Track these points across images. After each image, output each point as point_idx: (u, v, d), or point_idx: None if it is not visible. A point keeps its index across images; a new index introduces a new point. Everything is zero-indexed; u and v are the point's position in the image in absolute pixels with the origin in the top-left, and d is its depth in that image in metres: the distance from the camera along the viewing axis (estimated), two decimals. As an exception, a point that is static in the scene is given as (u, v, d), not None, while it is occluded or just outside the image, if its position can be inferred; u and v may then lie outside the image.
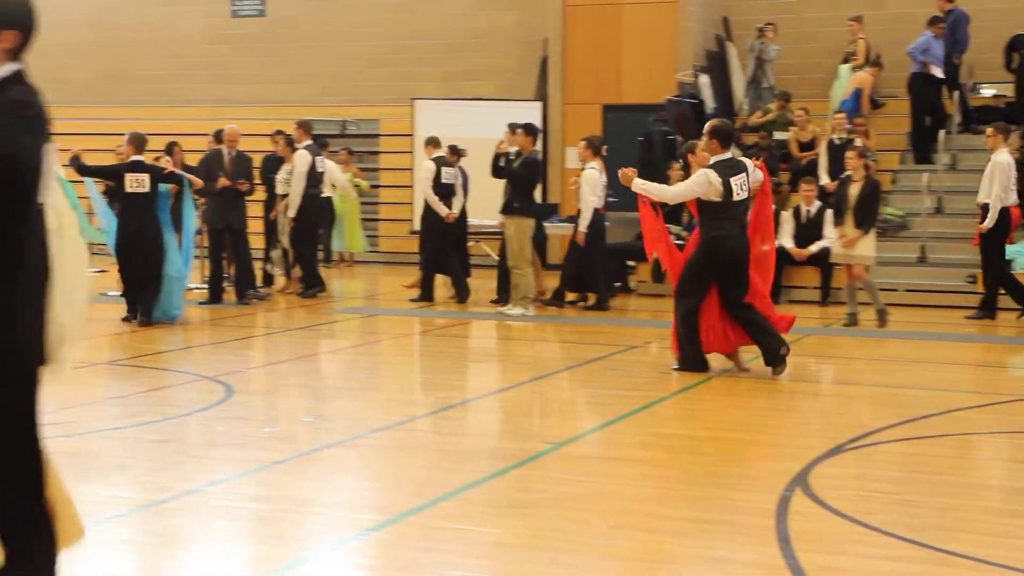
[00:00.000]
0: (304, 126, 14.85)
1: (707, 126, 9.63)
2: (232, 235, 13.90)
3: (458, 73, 20.42)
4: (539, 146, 14.51)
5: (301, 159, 14.53)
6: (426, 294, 14.42)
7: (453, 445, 7.34)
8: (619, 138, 18.45)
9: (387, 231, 20.77)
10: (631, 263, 16.05)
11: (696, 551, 5.12)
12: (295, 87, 21.12)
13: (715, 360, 9.69)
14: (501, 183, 13.69)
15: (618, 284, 15.59)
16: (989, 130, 13.40)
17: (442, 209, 14.22)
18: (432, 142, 14.51)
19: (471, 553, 5.11)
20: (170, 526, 5.45)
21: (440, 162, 14.35)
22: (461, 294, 14.41)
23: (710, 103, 18.05)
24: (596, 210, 13.60)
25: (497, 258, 14.73)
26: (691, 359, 9.52)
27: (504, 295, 13.86)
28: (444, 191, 14.27)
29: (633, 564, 4.98)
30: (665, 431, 7.76)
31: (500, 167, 13.68)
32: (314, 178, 14.64)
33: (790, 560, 4.91)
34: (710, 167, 9.35)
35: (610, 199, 18.61)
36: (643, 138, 16.91)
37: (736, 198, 9.32)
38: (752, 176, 9.53)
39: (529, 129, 13.50)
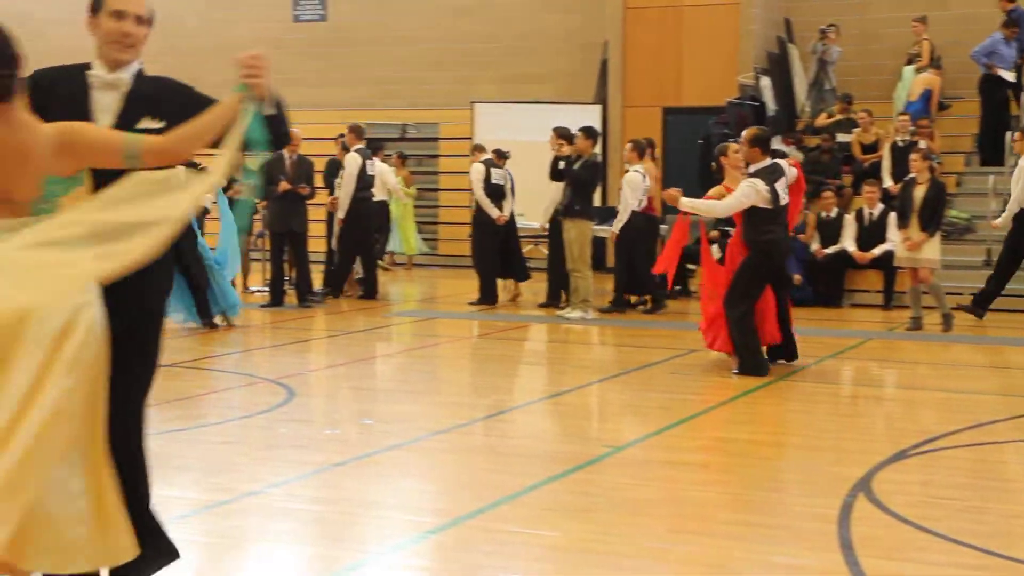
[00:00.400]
0: (355, 130, 14.93)
1: (747, 134, 9.69)
2: (293, 239, 14.00)
3: (517, 76, 20.43)
4: (598, 149, 14.48)
5: (351, 162, 14.62)
6: (487, 297, 14.46)
7: (511, 448, 7.33)
8: (679, 141, 18.39)
9: (446, 234, 20.83)
10: (691, 266, 15.96)
11: (757, 556, 5.07)
12: (355, 91, 21.24)
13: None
14: (548, 187, 13.78)
15: (678, 287, 15.51)
16: (1016, 135, 13.48)
17: (493, 211, 14.34)
18: (478, 148, 14.81)
19: (530, 556, 5.10)
20: (231, 527, 5.49)
21: (488, 164, 14.51)
22: (490, 295, 14.56)
23: (771, 105, 17.92)
24: (637, 212, 13.65)
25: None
26: (751, 363, 9.47)
27: (555, 298, 13.94)
28: (494, 193, 14.40)
29: (693, 569, 4.95)
30: (725, 435, 7.70)
31: (559, 170, 13.67)
32: (364, 181, 14.71)
33: (853, 566, 4.84)
34: (755, 176, 9.42)
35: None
36: (703, 141, 16.83)
37: (782, 203, 9.46)
38: (788, 176, 9.66)
39: (588, 132, 13.49)
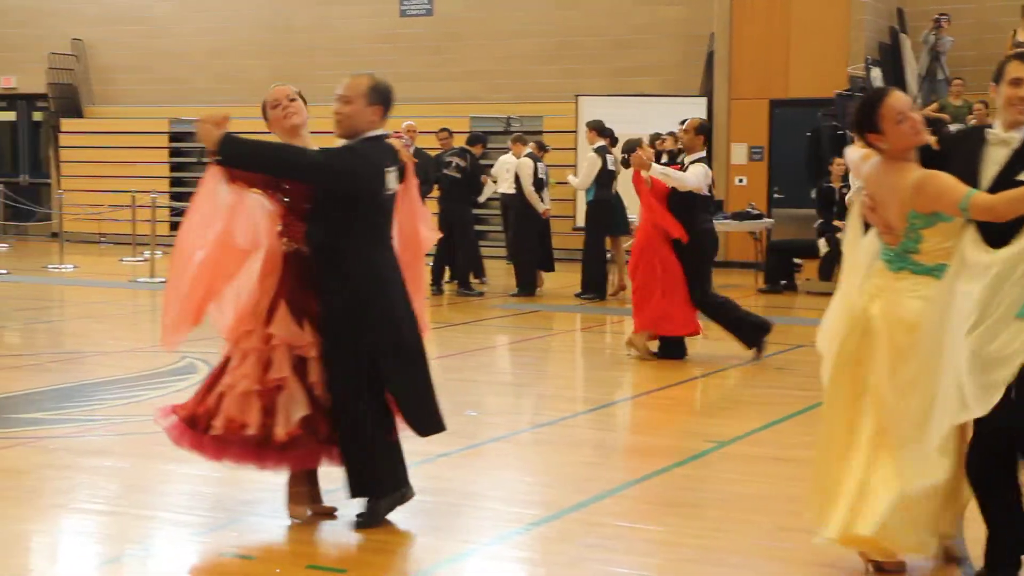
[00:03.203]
0: (520, 140, 15.13)
1: (691, 122, 10.09)
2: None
3: (623, 69, 20.33)
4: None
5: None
6: (526, 288, 14.58)
7: (615, 442, 7.31)
8: (786, 133, 18.14)
9: (551, 228, 20.77)
10: (797, 261, 15.76)
11: (865, 556, 4.97)
12: (460, 85, 21.34)
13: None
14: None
15: (784, 282, 15.32)
16: None
17: (540, 205, 14.51)
18: (520, 140, 14.93)
19: (633, 551, 5.08)
20: (338, 516, 5.54)
21: (534, 158, 14.62)
22: (529, 287, 14.68)
23: (882, 97, 17.54)
24: None
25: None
26: (752, 335, 9.97)
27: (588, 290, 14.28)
28: (539, 187, 14.54)
29: (801, 568, 4.88)
30: (833, 432, 7.56)
31: (665, 164, 13.57)
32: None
33: (968, 571, 4.74)
34: (700, 161, 9.85)
35: (776, 195, 18.33)
36: (811, 133, 16.57)
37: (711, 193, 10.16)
38: None
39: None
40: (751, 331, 10.08)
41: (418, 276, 5.54)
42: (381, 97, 5.15)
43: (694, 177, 9.80)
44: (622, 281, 14.48)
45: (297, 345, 5.10)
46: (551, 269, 15.42)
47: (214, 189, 5.10)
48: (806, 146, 16.55)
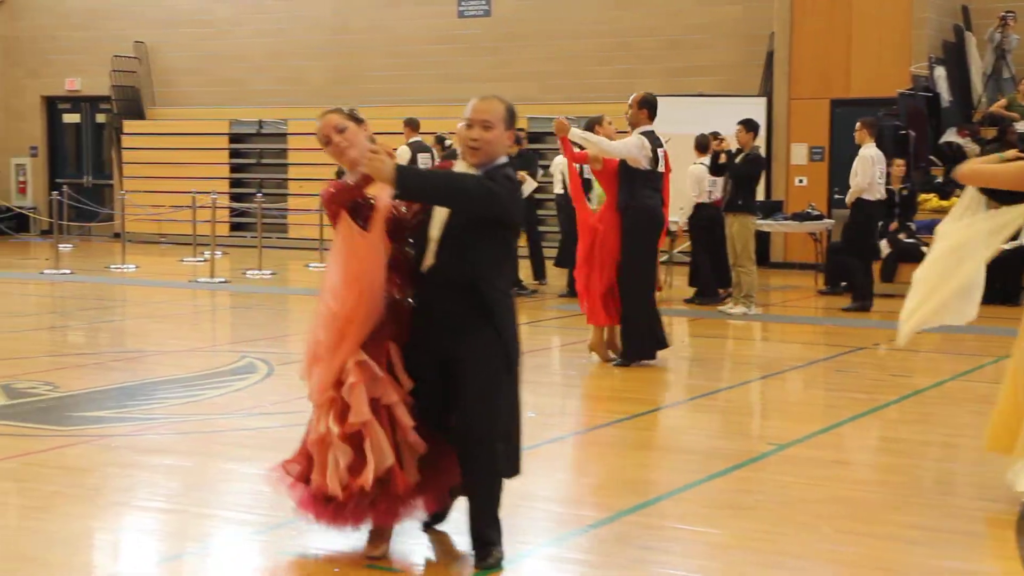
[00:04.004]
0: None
1: (636, 96, 9.83)
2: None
3: (680, 69, 20.23)
4: (760, 142, 14.32)
5: (558, 165, 14.67)
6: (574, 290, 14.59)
7: (673, 444, 7.27)
8: (847, 133, 17.93)
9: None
10: (859, 262, 15.59)
11: (928, 560, 4.92)
12: (518, 85, 21.33)
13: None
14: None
15: (844, 284, 15.16)
16: None
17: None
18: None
19: (692, 553, 5.04)
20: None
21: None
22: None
23: (946, 96, 17.34)
24: (707, 204, 13.97)
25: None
26: (645, 349, 9.50)
27: (701, 294, 14.09)
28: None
29: (862, 572, 4.82)
30: (894, 435, 7.49)
31: (720, 164, 13.51)
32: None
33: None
34: (642, 134, 9.51)
35: (837, 196, 18.12)
36: (873, 133, 16.36)
37: (660, 170, 9.63)
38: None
39: (749, 125, 13.29)
40: (641, 345, 9.60)
41: None
42: (514, 120, 4.88)
43: (623, 145, 9.45)
44: (659, 281, 14.49)
45: (376, 393, 4.72)
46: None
47: (351, 240, 4.73)
48: (867, 146, 16.32)
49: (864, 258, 13.84)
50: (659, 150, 9.63)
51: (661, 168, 9.71)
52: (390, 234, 4.75)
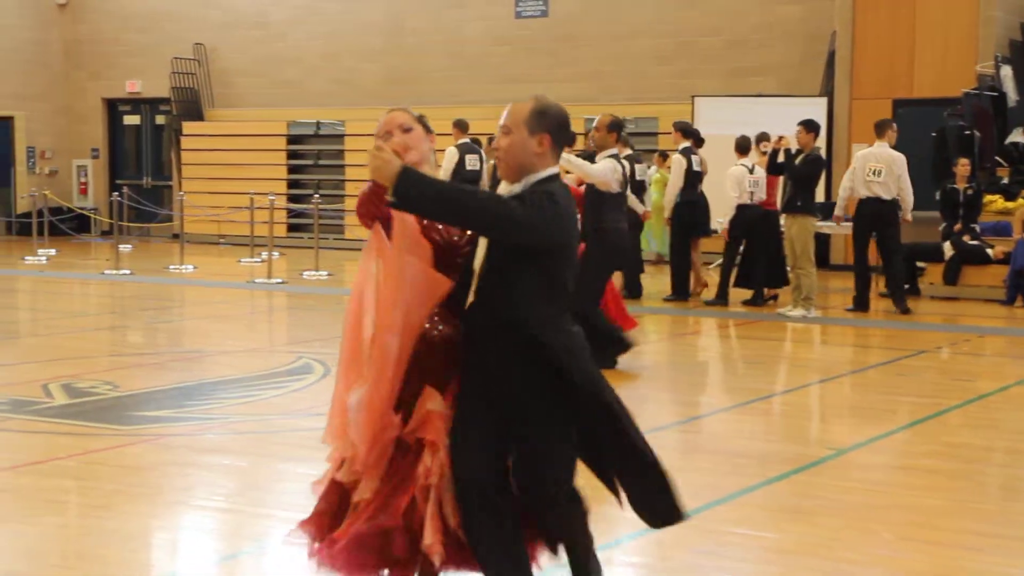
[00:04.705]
0: (682, 128, 15.04)
1: (603, 119, 9.90)
2: None
3: (740, 69, 20.09)
4: (820, 142, 14.17)
5: (679, 163, 14.56)
6: (635, 292, 14.48)
7: (731, 447, 7.19)
8: (910, 134, 17.69)
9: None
10: (921, 264, 15.39)
11: (992, 568, 4.82)
12: (575, 86, 21.28)
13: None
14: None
15: (907, 286, 14.97)
16: None
17: (639, 207, 14.35)
18: (621, 141, 14.82)
19: (749, 558, 4.98)
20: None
21: (632, 160, 14.48)
22: (633, 290, 14.53)
23: (1012, 96, 17.06)
24: (750, 206, 13.84)
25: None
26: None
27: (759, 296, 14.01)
28: (637, 189, 14.40)
29: (923, 580, 4.73)
30: (957, 440, 7.36)
31: (778, 164, 13.40)
32: (690, 180, 14.67)
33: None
34: (613, 157, 9.56)
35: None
36: (936, 134, 16.18)
37: (625, 191, 9.84)
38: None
39: (809, 125, 13.17)
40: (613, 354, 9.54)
41: None
42: (547, 123, 3.97)
43: (600, 169, 9.47)
44: (700, 282, 14.40)
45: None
46: (641, 271, 15.29)
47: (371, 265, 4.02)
48: (931, 147, 16.14)
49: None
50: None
51: (623, 189, 9.82)
52: (439, 262, 4.04)
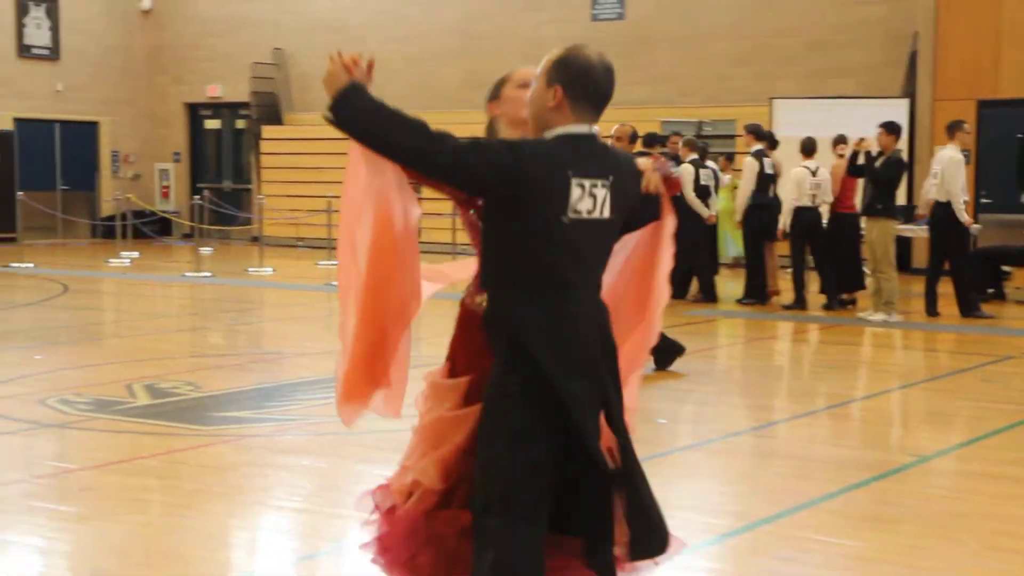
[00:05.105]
0: (753, 131, 14.91)
1: (624, 130, 10.47)
2: None
3: (819, 71, 19.87)
4: (902, 144, 13.97)
5: (750, 165, 14.48)
6: (711, 296, 14.40)
7: (810, 453, 7.11)
8: (995, 136, 17.41)
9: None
10: (1006, 268, 15.10)
11: (1082, 581, 4.70)
12: (651, 89, 21.20)
13: None
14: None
15: (991, 290, 14.70)
16: None
17: (703, 211, 14.29)
18: (688, 144, 14.77)
19: (830, 566, 4.91)
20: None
21: (696, 164, 14.39)
22: (709, 293, 14.47)
23: (1100, 96, 16.69)
24: (809, 208, 13.75)
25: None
26: None
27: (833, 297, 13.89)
28: (701, 193, 14.28)
29: (1009, 590, 4.64)
30: (1044, 448, 7.21)
31: (858, 166, 13.23)
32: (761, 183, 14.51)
33: None
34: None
35: (983, 200, 17.59)
36: (1022, 135, 15.88)
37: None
38: None
39: (890, 127, 13.00)
40: None
41: (640, 346, 3.81)
42: (563, 74, 3.40)
43: None
44: (772, 287, 14.27)
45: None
46: (715, 273, 15.24)
47: (356, 170, 3.51)
48: (1016, 149, 15.85)
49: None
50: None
51: None
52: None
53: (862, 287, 14.02)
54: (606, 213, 3.41)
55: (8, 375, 9.07)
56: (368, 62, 3.46)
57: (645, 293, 3.82)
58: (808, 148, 13.93)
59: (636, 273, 3.85)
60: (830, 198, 13.78)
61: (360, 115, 3.33)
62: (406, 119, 3.35)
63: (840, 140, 13.99)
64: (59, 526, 5.43)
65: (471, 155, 3.33)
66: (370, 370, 3.55)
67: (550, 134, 3.41)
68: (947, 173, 12.88)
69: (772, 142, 14.54)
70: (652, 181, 3.69)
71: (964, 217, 13.00)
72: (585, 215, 3.37)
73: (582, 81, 3.41)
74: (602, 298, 3.52)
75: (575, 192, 3.34)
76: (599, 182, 3.39)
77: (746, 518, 5.54)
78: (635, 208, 3.62)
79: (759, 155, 14.16)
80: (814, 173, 13.68)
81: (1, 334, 11.73)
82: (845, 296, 13.97)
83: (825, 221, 14.09)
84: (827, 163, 14.28)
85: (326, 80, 3.39)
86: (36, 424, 7.42)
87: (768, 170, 14.11)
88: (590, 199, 3.37)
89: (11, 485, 6.10)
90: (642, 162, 3.70)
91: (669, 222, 3.83)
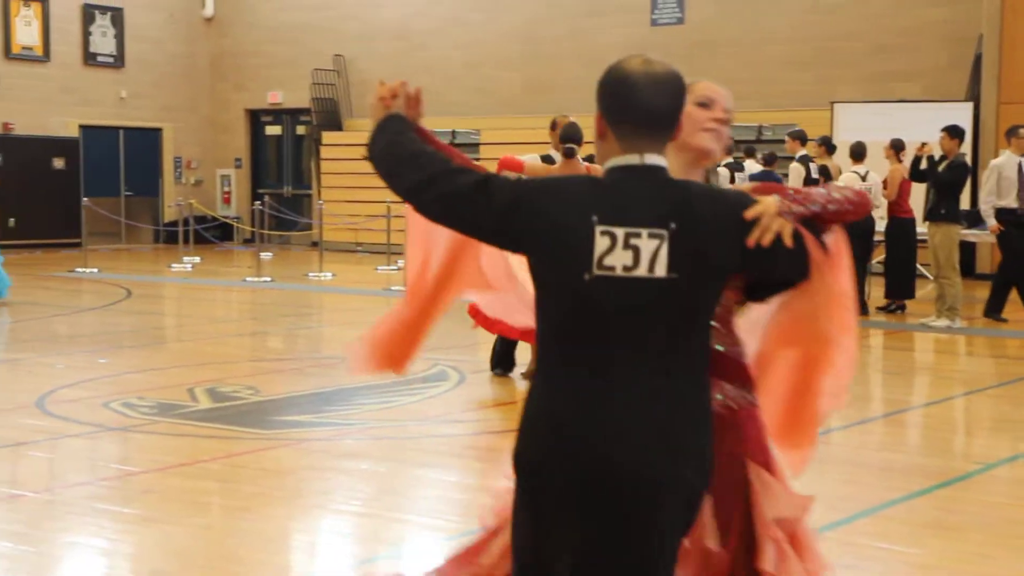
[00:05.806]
0: (803, 138, 14.99)
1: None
2: None
3: (881, 74, 19.66)
4: (965, 148, 13.80)
5: (796, 171, 14.41)
6: None
7: (873, 460, 7.03)
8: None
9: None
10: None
11: None
12: (712, 93, 21.10)
13: None
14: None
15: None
16: None
17: None
18: (797, 137, 14.78)
19: (893, 573, 4.86)
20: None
21: (806, 161, 14.28)
22: None
23: None
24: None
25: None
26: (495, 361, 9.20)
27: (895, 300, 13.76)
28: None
29: (1076, 601, 4.56)
30: (1113, 457, 7.07)
31: (921, 171, 13.08)
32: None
33: None
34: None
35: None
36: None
37: None
38: None
39: (953, 131, 12.83)
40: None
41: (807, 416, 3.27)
42: (601, 93, 2.77)
43: None
44: None
45: None
46: None
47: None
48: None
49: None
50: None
51: None
52: None
53: (911, 296, 13.82)
54: (659, 271, 2.62)
55: (73, 379, 9.21)
56: (415, 91, 3.13)
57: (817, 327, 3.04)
58: (857, 152, 13.79)
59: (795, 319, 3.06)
60: (880, 203, 13.60)
61: (379, 152, 3.07)
62: (415, 155, 2.97)
63: (897, 145, 13.78)
64: (122, 528, 5.50)
65: (466, 198, 2.80)
66: (395, 347, 3.58)
67: (608, 167, 2.75)
68: (982, 178, 12.87)
69: (831, 147, 14.43)
70: (769, 230, 2.69)
71: (991, 222, 12.92)
72: (621, 272, 2.62)
73: (620, 100, 2.73)
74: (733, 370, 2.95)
75: (601, 243, 2.63)
76: (645, 231, 2.62)
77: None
78: (739, 267, 2.74)
79: (804, 160, 14.07)
80: (863, 178, 13.54)
81: (66, 338, 11.91)
82: (892, 303, 13.78)
83: (883, 226, 13.96)
84: (878, 168, 14.15)
85: (370, 114, 3.14)
86: (100, 427, 7.52)
87: (814, 175, 13.99)
88: (628, 252, 2.62)
89: (76, 487, 6.18)
90: (764, 203, 2.72)
91: (838, 253, 3.03)
